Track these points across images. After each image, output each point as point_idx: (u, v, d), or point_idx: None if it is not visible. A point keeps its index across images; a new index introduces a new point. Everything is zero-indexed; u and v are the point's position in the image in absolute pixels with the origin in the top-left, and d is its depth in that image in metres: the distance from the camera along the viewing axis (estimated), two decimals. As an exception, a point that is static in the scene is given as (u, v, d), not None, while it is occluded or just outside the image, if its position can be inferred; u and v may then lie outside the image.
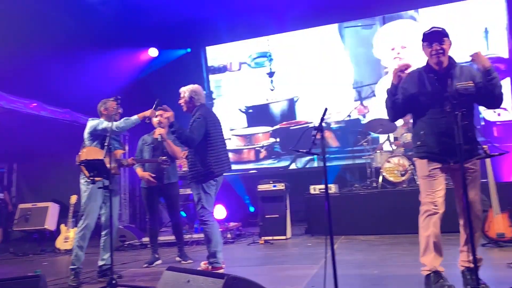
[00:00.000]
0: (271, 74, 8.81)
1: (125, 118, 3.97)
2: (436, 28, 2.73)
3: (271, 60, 8.80)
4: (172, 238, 5.38)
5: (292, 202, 6.16)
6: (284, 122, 8.56)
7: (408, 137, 5.93)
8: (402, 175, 5.74)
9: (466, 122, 2.48)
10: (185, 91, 3.87)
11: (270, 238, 5.65)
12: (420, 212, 2.78)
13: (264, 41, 8.83)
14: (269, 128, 8.65)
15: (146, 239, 5.64)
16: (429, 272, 2.66)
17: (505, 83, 7.36)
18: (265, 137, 8.70)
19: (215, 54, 9.28)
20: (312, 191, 6.11)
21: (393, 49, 7.91)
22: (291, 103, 8.61)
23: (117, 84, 7.95)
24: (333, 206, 5.94)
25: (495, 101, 2.72)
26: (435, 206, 2.70)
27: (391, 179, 5.83)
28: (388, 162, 5.89)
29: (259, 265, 4.20)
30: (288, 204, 5.97)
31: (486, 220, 4.13)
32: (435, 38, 2.70)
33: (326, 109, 2.66)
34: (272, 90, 8.79)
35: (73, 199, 6.11)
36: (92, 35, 7.68)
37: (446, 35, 2.71)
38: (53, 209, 6.77)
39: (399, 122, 6.45)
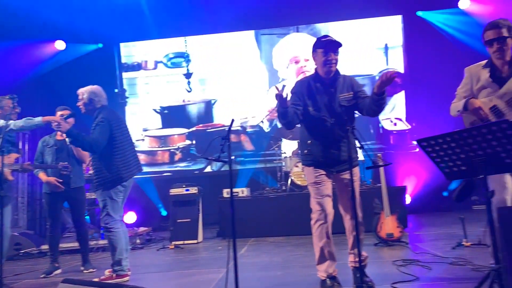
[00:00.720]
0: (188, 75, 8.74)
1: (27, 117, 3.67)
2: (331, 38, 2.82)
3: (188, 61, 8.73)
4: (74, 244, 5.09)
5: (207, 205, 6.21)
6: (201, 125, 8.54)
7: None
8: (309, 179, 6.07)
9: (354, 136, 2.71)
10: (83, 92, 3.67)
11: (181, 242, 5.61)
12: (312, 220, 2.90)
13: (181, 41, 8.75)
14: (185, 130, 8.56)
15: (45, 247, 5.24)
16: (324, 278, 2.85)
17: (400, 95, 8.20)
18: (181, 139, 8.60)
19: (129, 51, 8.96)
20: (225, 195, 6.19)
21: (297, 62, 8.33)
22: (208, 105, 8.63)
23: (15, 79, 7.32)
24: (244, 209, 6.15)
25: (375, 113, 2.83)
26: (325, 213, 2.83)
27: (298, 182, 6.15)
28: (296, 166, 6.20)
29: (166, 271, 4.15)
30: (200, 207, 5.98)
31: (379, 221, 4.56)
32: (331, 47, 2.80)
33: (233, 120, 2.73)
34: (189, 91, 8.72)
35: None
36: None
37: (340, 46, 2.83)
38: None
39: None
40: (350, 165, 2.55)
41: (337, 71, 2.90)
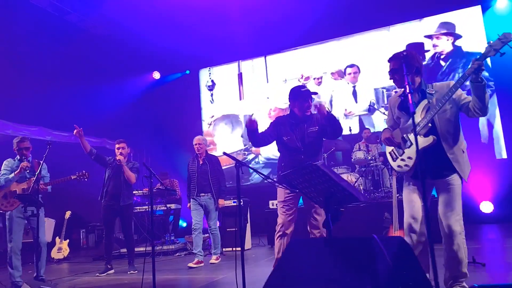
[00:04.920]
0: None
1: (5, 177, 4.47)
2: (306, 88, 3.48)
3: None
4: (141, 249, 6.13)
5: (255, 215, 6.74)
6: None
7: (358, 154, 6.29)
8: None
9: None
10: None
11: (230, 249, 6.27)
12: (276, 231, 3.45)
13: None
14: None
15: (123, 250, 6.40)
16: None
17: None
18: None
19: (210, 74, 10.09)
20: (271, 206, 6.60)
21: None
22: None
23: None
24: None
25: (336, 135, 3.42)
26: (286, 227, 3.40)
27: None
28: (339, 178, 6.25)
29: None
30: (248, 217, 6.52)
31: (387, 235, 4.43)
32: (307, 96, 3.43)
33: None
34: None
35: (67, 214, 7.10)
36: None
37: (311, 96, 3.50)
38: (49, 223, 7.36)
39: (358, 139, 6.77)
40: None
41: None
